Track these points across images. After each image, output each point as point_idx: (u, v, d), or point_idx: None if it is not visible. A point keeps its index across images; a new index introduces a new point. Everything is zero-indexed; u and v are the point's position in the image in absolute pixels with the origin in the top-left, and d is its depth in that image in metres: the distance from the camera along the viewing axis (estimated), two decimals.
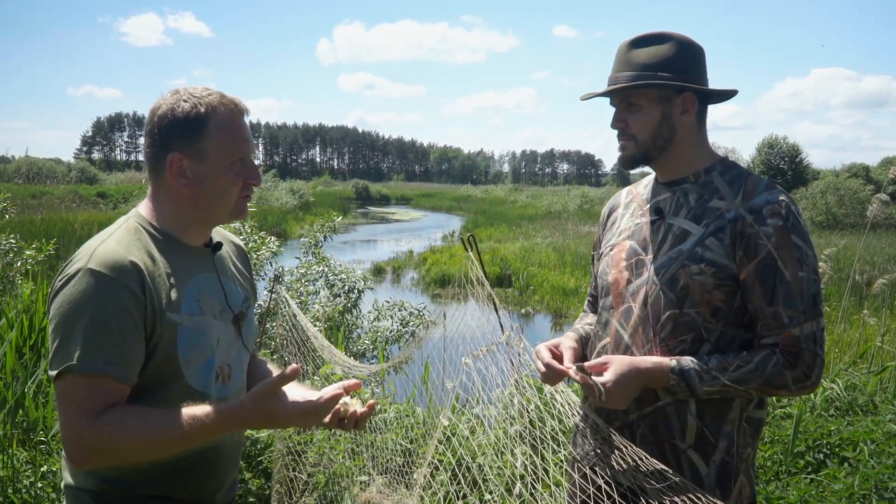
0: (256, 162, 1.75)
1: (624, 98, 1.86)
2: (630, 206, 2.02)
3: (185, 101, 1.64)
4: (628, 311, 1.88)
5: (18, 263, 7.08)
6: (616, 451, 1.79)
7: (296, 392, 1.74)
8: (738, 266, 1.75)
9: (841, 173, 36.62)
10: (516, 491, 2.21)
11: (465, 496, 2.99)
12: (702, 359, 1.74)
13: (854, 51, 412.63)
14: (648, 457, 1.70)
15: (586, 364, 1.77)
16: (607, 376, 1.73)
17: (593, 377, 1.73)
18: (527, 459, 2.15)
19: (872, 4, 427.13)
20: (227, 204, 1.70)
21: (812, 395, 5.13)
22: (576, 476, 1.89)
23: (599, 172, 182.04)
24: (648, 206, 1.94)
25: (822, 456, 4.20)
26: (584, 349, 2.04)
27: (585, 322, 2.13)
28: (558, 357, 1.92)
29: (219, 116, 1.64)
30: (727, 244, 1.76)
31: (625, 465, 1.75)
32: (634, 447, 1.73)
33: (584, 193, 48.19)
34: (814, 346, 1.71)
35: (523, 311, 14.99)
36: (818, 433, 4.35)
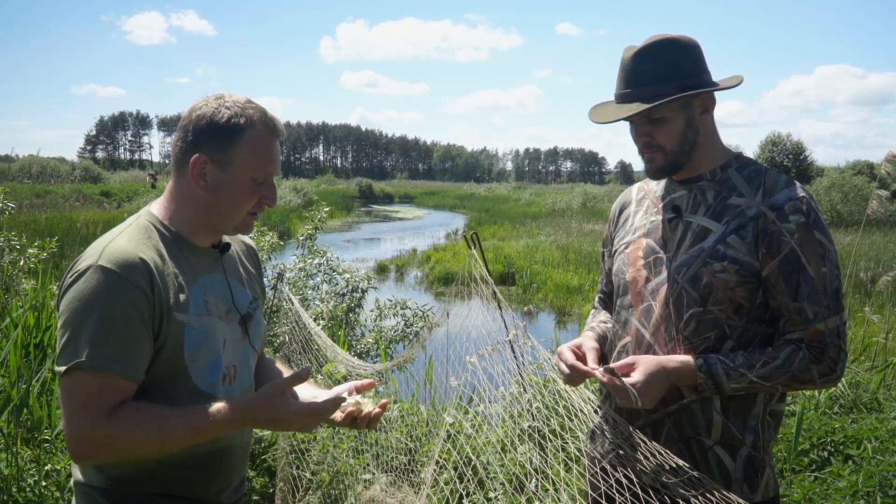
0: None
1: (645, 113, 1.84)
2: (643, 202, 2.01)
3: (227, 107, 1.64)
4: (649, 310, 1.88)
5: (21, 262, 7.09)
6: (637, 449, 1.79)
7: (306, 391, 1.76)
8: (760, 263, 1.76)
9: (845, 170, 36.47)
10: (531, 485, 2.21)
11: (470, 495, 2.99)
12: (727, 356, 1.75)
13: (859, 48, 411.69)
14: (668, 452, 1.70)
15: (612, 365, 1.78)
16: (636, 377, 1.73)
17: (623, 380, 1.73)
18: (533, 457, 2.15)
19: (877, 2, 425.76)
20: (236, 217, 1.70)
21: (816, 393, 5.12)
22: (586, 474, 1.89)
23: (603, 170, 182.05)
24: (663, 203, 1.94)
25: (826, 454, 4.19)
26: (603, 348, 2.03)
27: (600, 320, 2.13)
28: (581, 358, 1.92)
29: (255, 132, 1.65)
30: (749, 241, 1.76)
31: (645, 463, 1.76)
32: (652, 444, 1.73)
33: (587, 191, 48.15)
34: (838, 341, 1.73)
35: (526, 308, 14.98)
36: (822, 431, 4.35)
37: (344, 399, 1.65)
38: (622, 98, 1.87)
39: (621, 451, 1.86)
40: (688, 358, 1.76)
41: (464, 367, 2.47)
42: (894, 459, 3.74)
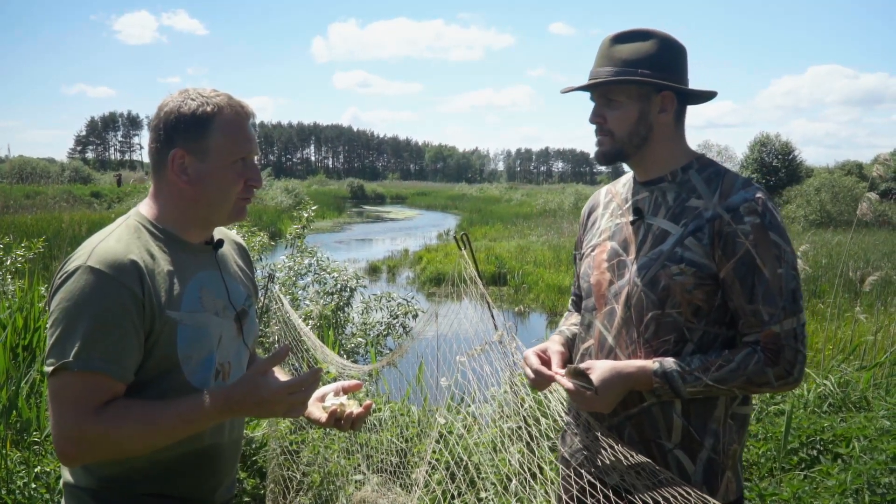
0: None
1: (603, 93, 1.85)
2: (609, 205, 2.01)
3: (192, 99, 1.65)
4: (611, 313, 1.88)
5: (8, 262, 7.05)
6: (603, 450, 1.80)
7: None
8: (717, 265, 1.75)
9: (835, 170, 36.63)
10: (512, 488, 2.22)
11: (461, 494, 2.99)
12: (684, 359, 1.74)
13: (851, 48, 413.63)
14: (635, 454, 1.70)
15: (568, 368, 1.79)
16: None
17: (575, 382, 1.74)
18: (522, 457, 2.15)
19: (870, 2, 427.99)
20: (226, 204, 1.70)
21: (805, 392, 5.15)
22: (561, 474, 1.90)
23: (594, 170, 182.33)
24: (628, 205, 1.93)
25: (815, 452, 4.22)
26: (571, 352, 2.03)
27: (570, 322, 2.13)
28: (546, 362, 1.92)
29: (224, 116, 1.66)
30: (706, 243, 1.75)
31: (610, 463, 1.76)
32: (620, 445, 1.74)
33: (578, 191, 48.16)
34: (794, 343, 1.70)
35: (518, 309, 15.00)
36: (811, 429, 4.37)
37: (321, 370, 1.65)
38: (590, 76, 1.88)
39: (587, 452, 1.87)
40: (644, 362, 1.76)
41: (454, 367, 2.48)
42: (882, 458, 3.76)
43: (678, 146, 1.89)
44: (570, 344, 2.05)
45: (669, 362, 1.74)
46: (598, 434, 1.83)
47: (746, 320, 1.74)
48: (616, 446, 1.75)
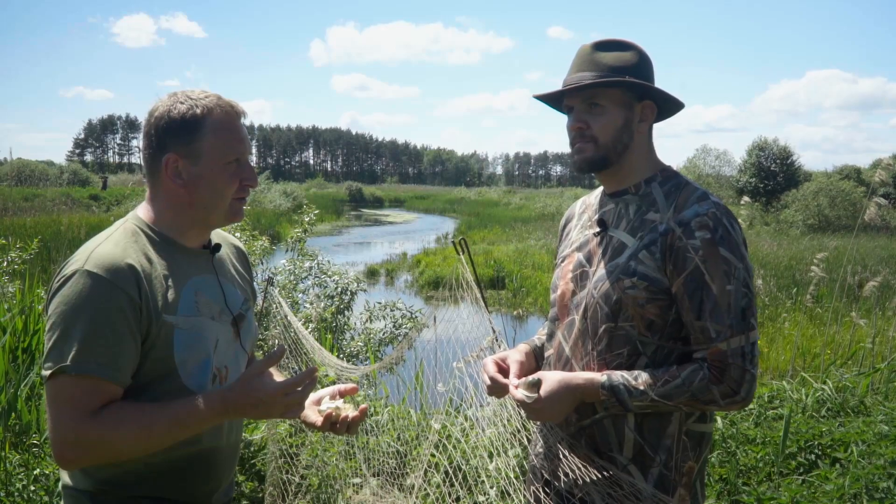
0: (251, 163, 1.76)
1: (587, 98, 1.82)
2: (582, 217, 2.01)
3: (181, 102, 1.65)
4: (571, 324, 1.87)
5: (4, 264, 7.03)
6: (561, 458, 1.81)
7: None
8: (669, 279, 1.72)
9: (833, 175, 36.70)
10: (493, 494, 2.22)
11: (458, 499, 3.00)
12: (633, 373, 1.73)
13: (849, 53, 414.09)
14: (596, 460, 1.71)
15: (521, 380, 1.79)
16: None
17: (521, 392, 1.75)
18: (517, 461, 2.16)
19: (868, 5, 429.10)
20: (222, 205, 1.71)
21: (803, 396, 5.16)
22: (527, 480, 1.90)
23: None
24: (596, 217, 1.93)
25: (813, 457, 4.22)
26: (538, 360, 2.03)
27: (543, 333, 2.11)
28: (504, 370, 1.92)
29: (214, 117, 1.66)
30: (658, 258, 1.73)
31: (567, 472, 1.77)
32: (576, 454, 1.74)
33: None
34: (742, 362, 1.66)
35: (516, 312, 14.99)
36: (809, 434, 4.38)
37: (317, 369, 1.65)
38: (569, 81, 1.85)
39: (547, 460, 1.88)
40: (594, 375, 1.75)
41: (450, 371, 2.48)
42: (881, 462, 3.77)
43: (649, 158, 1.89)
44: (538, 352, 2.04)
45: (617, 376, 1.72)
46: (559, 444, 1.82)
47: (695, 336, 1.71)
48: (574, 458, 1.75)
